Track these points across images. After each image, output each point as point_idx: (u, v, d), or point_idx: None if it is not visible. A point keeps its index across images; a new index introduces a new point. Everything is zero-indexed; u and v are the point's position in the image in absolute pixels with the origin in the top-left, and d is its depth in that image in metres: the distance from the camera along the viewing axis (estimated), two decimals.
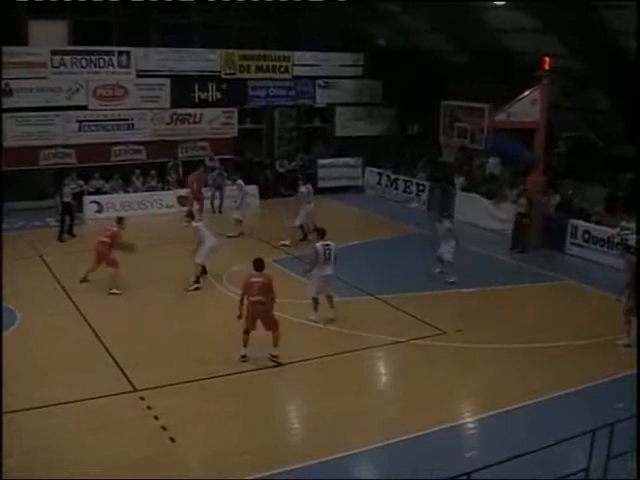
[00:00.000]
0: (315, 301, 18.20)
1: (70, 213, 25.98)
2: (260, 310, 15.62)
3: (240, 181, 27.40)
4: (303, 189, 26.11)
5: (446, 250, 21.61)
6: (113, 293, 19.97)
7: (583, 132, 30.16)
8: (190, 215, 21.80)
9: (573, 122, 29.83)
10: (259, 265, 15.97)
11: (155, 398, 14.01)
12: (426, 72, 33.37)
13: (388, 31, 34.77)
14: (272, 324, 15.81)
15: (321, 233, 18.93)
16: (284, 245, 24.82)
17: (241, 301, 15.74)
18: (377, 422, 13.60)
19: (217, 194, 30.24)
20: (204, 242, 20.86)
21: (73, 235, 25.90)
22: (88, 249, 21.19)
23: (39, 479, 11.20)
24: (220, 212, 29.88)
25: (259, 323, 15.78)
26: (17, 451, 11.11)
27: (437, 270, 21.96)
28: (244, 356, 15.72)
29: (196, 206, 27.55)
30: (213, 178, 30.14)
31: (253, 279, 15.77)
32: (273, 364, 15.66)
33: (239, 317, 15.67)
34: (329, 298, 18.33)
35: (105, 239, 20.25)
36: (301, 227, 25.62)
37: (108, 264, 20.32)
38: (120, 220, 21.11)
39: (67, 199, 25.97)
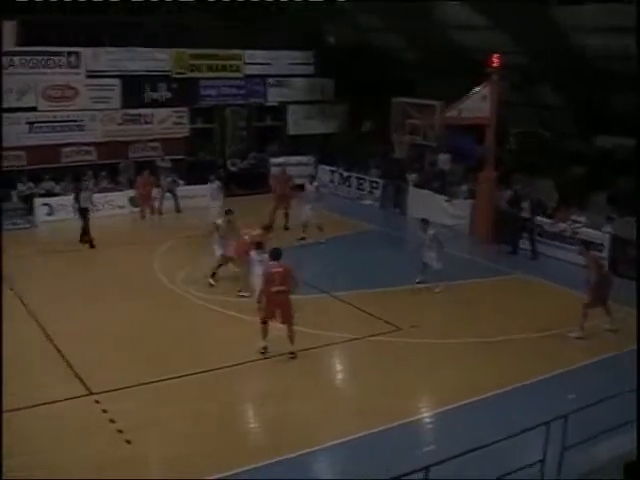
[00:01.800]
0: None
1: (86, 219, 25.27)
2: (282, 299, 15.94)
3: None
4: (310, 187, 26.45)
5: (433, 258, 21.02)
6: (242, 296, 19.71)
7: (533, 127, 30.52)
8: None
9: (523, 117, 30.17)
10: (277, 254, 16.34)
11: (110, 401, 13.91)
12: (378, 69, 33.47)
13: (339, 28, 34.83)
14: (289, 316, 16.09)
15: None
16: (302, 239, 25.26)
17: (262, 292, 16.11)
18: (334, 419, 13.67)
19: (167, 195, 29.94)
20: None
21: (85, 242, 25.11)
22: (42, 251, 20.95)
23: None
24: (179, 212, 29.77)
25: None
26: None
27: (417, 281, 21.56)
28: (265, 347, 16.10)
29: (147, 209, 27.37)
30: (167, 184, 29.98)
31: (273, 269, 16.05)
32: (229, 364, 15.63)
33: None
34: None
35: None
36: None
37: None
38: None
39: (85, 204, 25.37)
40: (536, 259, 24.47)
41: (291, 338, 16.10)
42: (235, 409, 14.43)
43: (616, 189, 26.11)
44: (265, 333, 16.12)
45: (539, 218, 25.04)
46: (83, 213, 25.20)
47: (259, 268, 17.71)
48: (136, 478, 11.48)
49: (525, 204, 25.01)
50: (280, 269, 16.00)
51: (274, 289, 15.86)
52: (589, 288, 17.85)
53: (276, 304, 15.93)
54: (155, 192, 28.68)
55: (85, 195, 25.64)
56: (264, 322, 16.06)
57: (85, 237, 24.89)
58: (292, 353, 16.11)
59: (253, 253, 18.72)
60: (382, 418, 13.47)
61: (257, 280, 17.54)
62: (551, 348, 16.98)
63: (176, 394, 14.46)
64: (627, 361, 15.37)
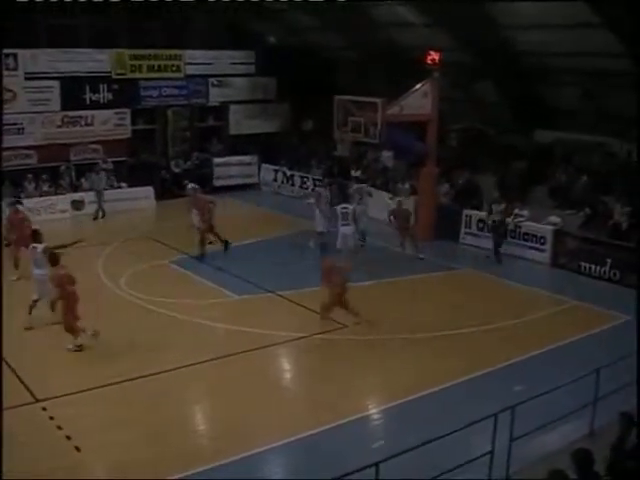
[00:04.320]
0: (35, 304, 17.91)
1: None
2: (75, 298, 16.44)
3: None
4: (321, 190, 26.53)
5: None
6: None
7: (473, 123, 30.82)
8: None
9: (464, 114, 30.45)
10: (55, 260, 16.68)
11: (57, 408, 13.76)
12: (318, 68, 33.59)
13: (278, 28, 34.84)
14: (72, 314, 16.46)
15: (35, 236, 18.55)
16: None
17: (54, 301, 17.01)
18: (284, 418, 13.68)
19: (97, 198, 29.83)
20: None
21: None
22: None
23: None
24: (103, 217, 29.52)
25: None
26: None
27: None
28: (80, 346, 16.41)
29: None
30: (96, 181, 29.99)
31: (61, 272, 16.46)
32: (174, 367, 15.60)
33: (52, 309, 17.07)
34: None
35: None
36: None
37: None
38: None
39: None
40: (501, 262, 23.77)
41: (67, 330, 16.43)
42: (181, 412, 14.27)
43: (557, 182, 26.50)
44: (79, 333, 16.43)
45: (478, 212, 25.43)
46: None
47: None
48: None
49: (500, 207, 24.67)
50: (63, 271, 16.45)
51: (70, 289, 16.32)
52: None
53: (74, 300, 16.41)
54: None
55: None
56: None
57: None
58: (79, 347, 16.38)
59: None
60: (333, 415, 13.51)
61: None
62: (496, 340, 17.18)
63: (123, 398, 14.35)
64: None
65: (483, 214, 25.31)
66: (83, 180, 30.81)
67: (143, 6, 28.79)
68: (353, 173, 31.30)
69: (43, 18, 30.16)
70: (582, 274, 22.37)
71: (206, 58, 34.99)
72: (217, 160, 34.59)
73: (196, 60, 34.72)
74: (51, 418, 13.42)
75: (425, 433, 10.84)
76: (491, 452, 11.00)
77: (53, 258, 16.70)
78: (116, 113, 32.76)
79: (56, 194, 30.03)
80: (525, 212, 24.53)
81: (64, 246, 17.83)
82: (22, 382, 14.72)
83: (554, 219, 23.91)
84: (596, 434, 12.42)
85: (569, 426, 12.69)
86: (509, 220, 24.37)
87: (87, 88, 31.91)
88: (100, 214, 29.61)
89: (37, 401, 14.08)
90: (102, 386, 14.66)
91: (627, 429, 10.27)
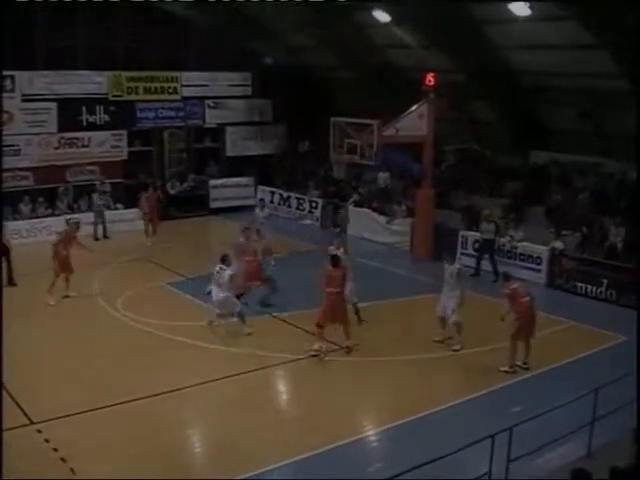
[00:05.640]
0: None
1: None
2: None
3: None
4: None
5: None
6: None
7: (470, 144, 30.87)
8: None
9: (459, 134, 30.50)
10: None
11: (52, 430, 13.69)
12: (315, 89, 33.68)
13: (275, 49, 34.94)
14: None
15: None
16: None
17: None
18: (281, 440, 13.61)
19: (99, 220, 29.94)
20: None
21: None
22: None
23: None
24: (106, 237, 29.60)
25: None
26: None
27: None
28: None
29: None
30: (96, 201, 30.16)
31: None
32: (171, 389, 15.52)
33: None
34: None
35: None
36: None
37: None
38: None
39: None
40: (497, 281, 22.59)
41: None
42: (177, 434, 14.21)
43: (552, 203, 26.50)
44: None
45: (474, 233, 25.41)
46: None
47: None
48: None
49: (490, 226, 24.76)
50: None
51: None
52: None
53: None
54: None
55: None
56: None
57: None
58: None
59: None
60: (330, 437, 13.48)
61: None
62: (493, 361, 17.10)
63: (118, 420, 14.29)
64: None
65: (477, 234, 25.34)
66: (81, 202, 30.84)
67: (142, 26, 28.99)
68: (355, 198, 31.34)
69: (40, 40, 30.25)
70: (578, 294, 22.39)
71: (202, 80, 35.05)
72: (213, 182, 34.61)
73: (192, 82, 34.77)
74: (47, 440, 13.34)
75: (422, 455, 10.79)
76: (488, 473, 10.94)
77: None
78: (113, 135, 32.77)
79: (52, 215, 30.02)
80: (520, 233, 24.54)
81: None
82: (17, 404, 14.63)
83: (559, 244, 23.80)
84: (593, 455, 12.38)
85: (567, 446, 12.66)
86: (504, 240, 24.35)
87: (84, 110, 31.93)
88: (101, 234, 29.86)
89: (32, 423, 13.99)
90: (98, 408, 14.59)
91: None
